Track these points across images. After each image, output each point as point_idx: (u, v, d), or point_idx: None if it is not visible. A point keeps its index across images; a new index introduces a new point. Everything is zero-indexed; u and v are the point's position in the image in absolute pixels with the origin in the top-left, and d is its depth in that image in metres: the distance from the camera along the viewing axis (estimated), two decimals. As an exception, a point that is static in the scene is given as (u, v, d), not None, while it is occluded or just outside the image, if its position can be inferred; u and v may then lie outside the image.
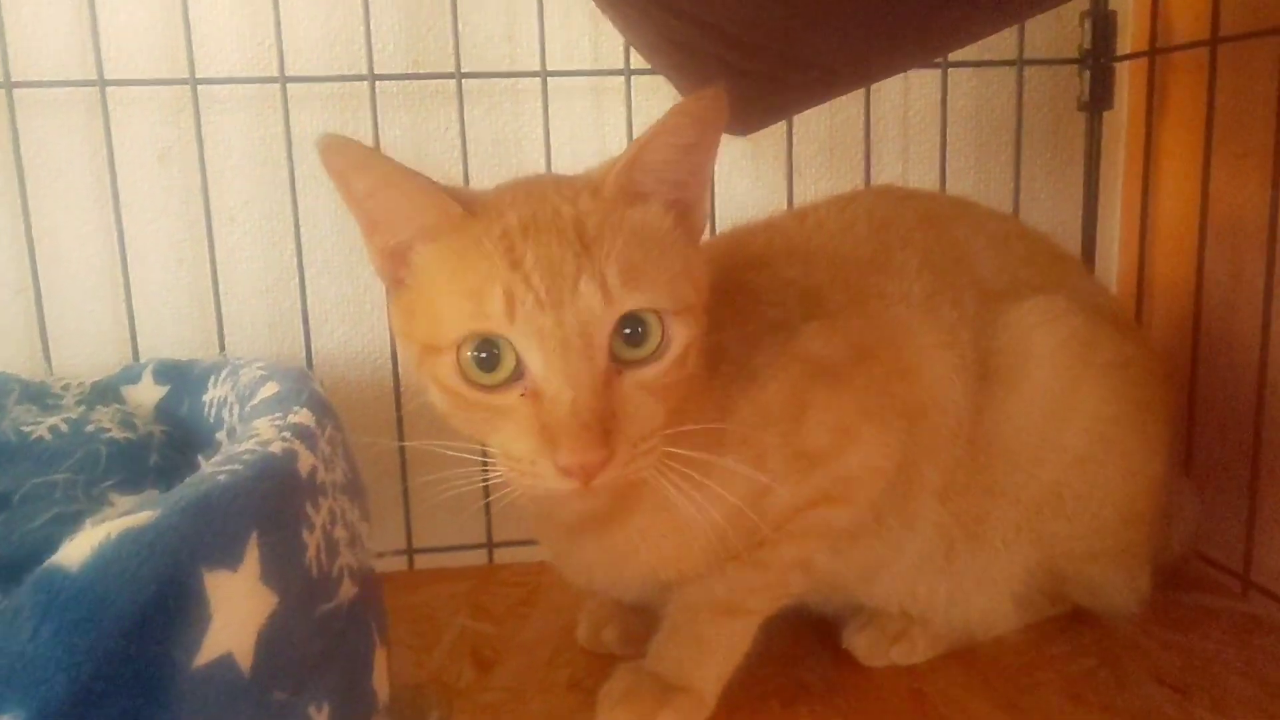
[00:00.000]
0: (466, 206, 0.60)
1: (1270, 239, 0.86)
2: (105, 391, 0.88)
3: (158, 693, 0.39)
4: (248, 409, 0.67)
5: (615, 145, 1.05)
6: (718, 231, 0.96)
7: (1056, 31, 1.10)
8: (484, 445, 0.62)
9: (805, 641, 0.82)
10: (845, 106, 1.08)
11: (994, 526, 0.77)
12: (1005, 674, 0.77)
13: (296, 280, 1.00)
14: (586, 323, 0.57)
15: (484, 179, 0.99)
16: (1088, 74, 1.09)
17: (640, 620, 0.79)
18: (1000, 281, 0.79)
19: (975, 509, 0.76)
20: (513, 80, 1.04)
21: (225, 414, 0.75)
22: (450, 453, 0.63)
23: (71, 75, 0.98)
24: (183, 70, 0.97)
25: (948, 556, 0.77)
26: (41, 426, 0.75)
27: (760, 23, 0.70)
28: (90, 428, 0.76)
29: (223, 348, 1.00)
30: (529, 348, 0.57)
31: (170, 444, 0.79)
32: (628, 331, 0.59)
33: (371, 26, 0.98)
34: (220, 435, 0.74)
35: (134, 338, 1.00)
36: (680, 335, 0.60)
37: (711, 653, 0.71)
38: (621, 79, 1.02)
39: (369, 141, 0.97)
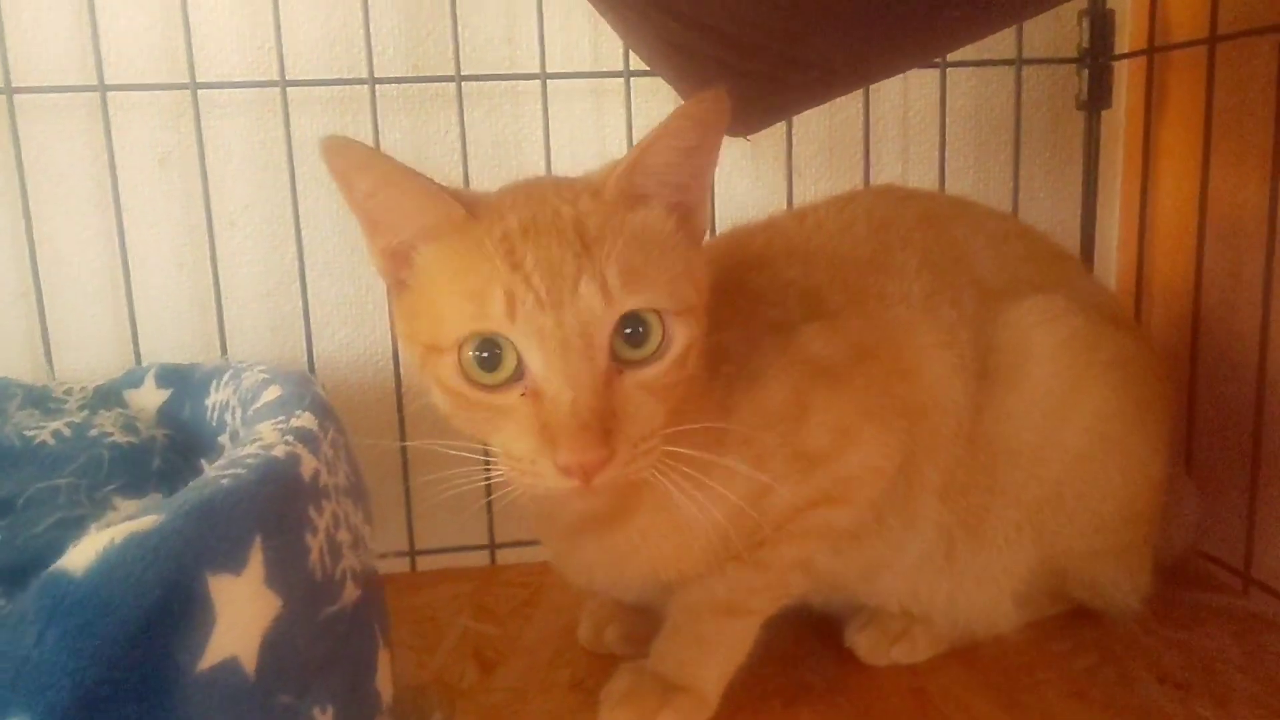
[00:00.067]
0: (468, 208, 0.61)
1: (1269, 236, 0.86)
2: (108, 396, 0.88)
3: (162, 697, 0.39)
4: (250, 412, 0.67)
5: (615, 147, 1.05)
6: (717, 232, 0.96)
7: (1055, 31, 1.10)
8: (486, 445, 0.62)
9: (807, 641, 0.82)
10: (844, 106, 1.08)
11: (995, 525, 0.77)
12: (1007, 672, 0.77)
13: (298, 283, 1.00)
14: (587, 323, 0.57)
15: (484, 181, 0.99)
16: (1086, 73, 1.09)
17: (642, 620, 0.79)
18: (999, 280, 0.79)
19: (976, 508, 0.76)
20: (512, 83, 1.04)
21: (228, 418, 0.75)
22: (452, 453, 0.63)
23: (72, 80, 0.98)
24: (183, 75, 0.97)
25: (949, 555, 0.77)
26: (44, 431, 0.75)
27: (759, 24, 0.70)
28: (93, 432, 0.76)
29: (224, 351, 1.00)
30: (529, 348, 0.57)
31: (173, 448, 0.79)
32: (628, 332, 0.59)
33: (371, 30, 0.98)
34: (223, 439, 0.74)
35: (136, 342, 1.00)
36: (681, 336, 0.61)
37: (713, 652, 0.71)
38: (621, 81, 1.02)
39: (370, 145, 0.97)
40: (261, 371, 0.75)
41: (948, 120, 1.07)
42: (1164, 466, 0.80)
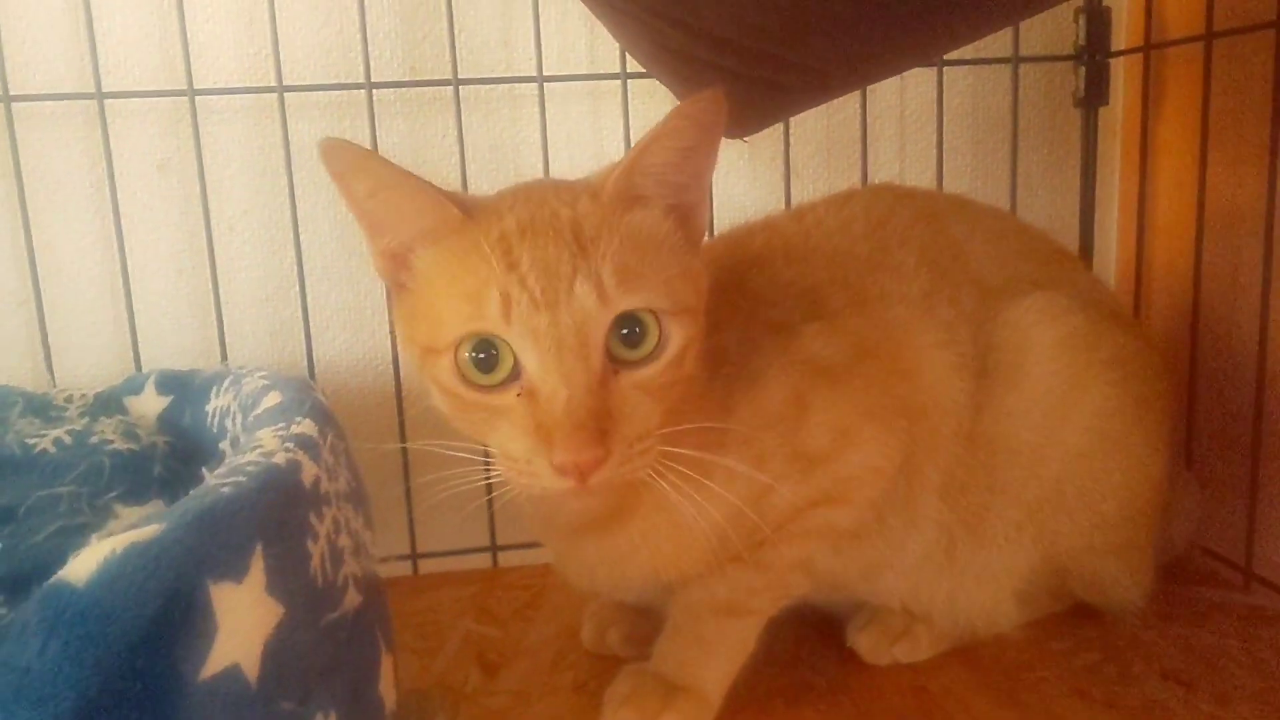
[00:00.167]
0: (465, 210, 0.61)
1: (1267, 230, 0.86)
2: (108, 403, 0.88)
3: (165, 706, 0.40)
4: (251, 419, 0.67)
5: (613, 149, 1.05)
6: (716, 233, 0.96)
7: (1051, 28, 1.10)
8: (485, 446, 0.63)
9: (809, 641, 0.82)
10: (842, 107, 1.08)
11: (995, 524, 0.77)
12: (1008, 670, 0.78)
13: (297, 288, 1.00)
14: (582, 323, 0.57)
15: (482, 185, 1.00)
16: (1083, 70, 1.09)
17: (644, 622, 0.80)
18: (998, 278, 0.79)
19: (977, 506, 0.76)
20: (509, 86, 1.04)
21: (228, 423, 0.75)
22: (452, 454, 0.64)
23: (70, 88, 0.98)
24: (180, 81, 0.97)
25: (949, 554, 0.77)
26: (45, 439, 0.75)
27: (755, 28, 0.70)
28: (94, 439, 0.76)
29: (224, 357, 1.00)
30: (525, 348, 0.57)
31: (173, 454, 0.79)
32: (625, 332, 0.59)
33: (368, 34, 0.99)
34: (224, 445, 0.74)
35: (136, 348, 1.00)
36: (677, 336, 0.61)
37: (715, 653, 0.71)
38: (618, 83, 1.02)
39: (367, 149, 0.97)
40: (262, 377, 0.75)
41: (945, 119, 1.07)
42: (1165, 463, 0.80)
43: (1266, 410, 0.90)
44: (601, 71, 1.04)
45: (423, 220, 0.61)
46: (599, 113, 1.06)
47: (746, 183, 1.09)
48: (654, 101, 1.03)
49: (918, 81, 1.09)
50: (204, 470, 0.54)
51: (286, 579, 0.48)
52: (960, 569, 0.78)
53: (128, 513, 0.68)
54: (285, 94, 0.98)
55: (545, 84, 1.01)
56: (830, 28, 0.70)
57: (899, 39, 0.75)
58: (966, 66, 1.08)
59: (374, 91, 0.99)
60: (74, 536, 0.62)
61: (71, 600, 0.38)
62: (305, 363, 1.02)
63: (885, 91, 1.10)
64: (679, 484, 0.61)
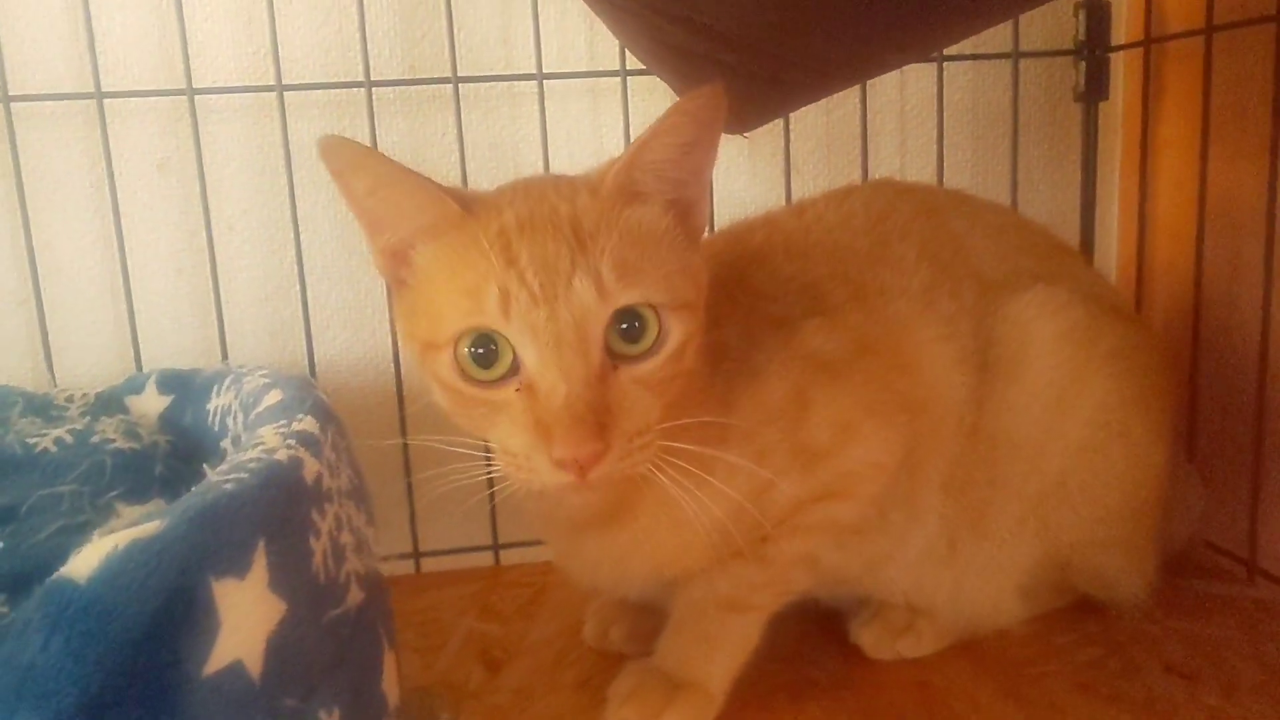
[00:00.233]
0: (464, 205, 0.61)
1: (1269, 224, 0.86)
2: (109, 402, 0.88)
3: (168, 702, 0.40)
4: (252, 417, 0.67)
5: (612, 146, 1.05)
6: (716, 229, 0.96)
7: (1051, 23, 1.10)
8: (485, 442, 0.63)
9: (812, 636, 0.82)
10: (842, 102, 1.08)
11: (998, 518, 0.77)
12: (1012, 665, 0.77)
13: (297, 287, 1.00)
14: (580, 318, 0.57)
15: (482, 182, 1.00)
16: (1083, 65, 1.09)
17: (647, 618, 0.79)
18: (999, 273, 0.79)
19: (979, 501, 0.76)
20: (509, 84, 1.04)
21: (229, 422, 0.75)
22: (453, 450, 0.64)
23: (69, 88, 0.98)
24: (179, 81, 0.97)
25: (952, 549, 0.77)
26: (46, 438, 0.75)
27: (755, 23, 0.70)
28: (95, 439, 0.76)
29: (225, 356, 1.00)
30: (524, 343, 0.57)
31: (175, 453, 0.79)
32: (624, 327, 0.59)
33: (367, 33, 0.99)
34: (225, 443, 0.74)
35: (136, 348, 1.00)
36: (677, 331, 0.61)
37: (718, 649, 0.71)
38: (618, 80, 1.02)
39: (366, 147, 0.97)
40: (263, 376, 0.75)
41: (945, 114, 1.07)
42: (1167, 457, 0.80)
43: (1268, 404, 0.90)
44: (601, 68, 1.04)
45: (422, 216, 0.61)
46: (599, 110, 1.06)
47: (747, 178, 1.09)
48: (654, 98, 1.03)
49: (918, 77, 1.09)
50: (205, 468, 0.54)
51: (289, 575, 0.48)
52: (963, 563, 0.78)
53: (129, 511, 0.68)
54: (285, 93, 0.98)
55: (545, 81, 1.01)
56: (830, 23, 0.70)
57: (899, 34, 0.75)
58: (967, 61, 1.08)
59: (373, 90, 0.99)
60: (75, 535, 0.62)
61: (74, 597, 0.38)
62: (306, 362, 1.02)
63: (885, 87, 1.10)
64: (680, 479, 0.61)
